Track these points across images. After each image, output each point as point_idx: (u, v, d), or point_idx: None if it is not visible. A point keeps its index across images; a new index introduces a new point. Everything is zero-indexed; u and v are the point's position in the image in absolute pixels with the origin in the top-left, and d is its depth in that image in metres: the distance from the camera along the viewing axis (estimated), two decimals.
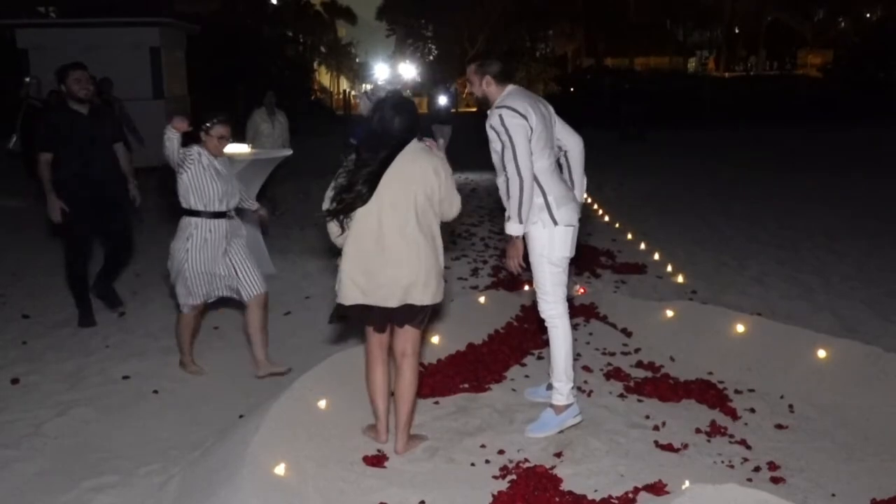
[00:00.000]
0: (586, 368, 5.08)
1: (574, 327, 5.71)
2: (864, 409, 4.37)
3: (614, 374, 5.03)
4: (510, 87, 4.22)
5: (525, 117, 4.03)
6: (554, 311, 4.26)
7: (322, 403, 4.19)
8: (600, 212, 10.50)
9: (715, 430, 4.22)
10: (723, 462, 3.88)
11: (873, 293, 6.80)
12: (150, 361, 5.47)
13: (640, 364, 5.21)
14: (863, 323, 6.01)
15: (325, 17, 49.48)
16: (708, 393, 4.69)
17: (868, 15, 54.39)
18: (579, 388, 4.72)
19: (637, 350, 5.46)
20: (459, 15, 45.44)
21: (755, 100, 33.16)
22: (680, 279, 7.22)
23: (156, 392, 4.96)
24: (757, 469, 3.81)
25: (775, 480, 3.71)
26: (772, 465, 3.83)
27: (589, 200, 10.36)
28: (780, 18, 54.40)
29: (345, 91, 48.63)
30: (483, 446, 4.05)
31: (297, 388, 4.23)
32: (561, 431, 4.19)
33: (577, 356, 5.23)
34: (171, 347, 5.50)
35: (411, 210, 3.76)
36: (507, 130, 4.01)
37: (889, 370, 4.58)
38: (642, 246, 8.50)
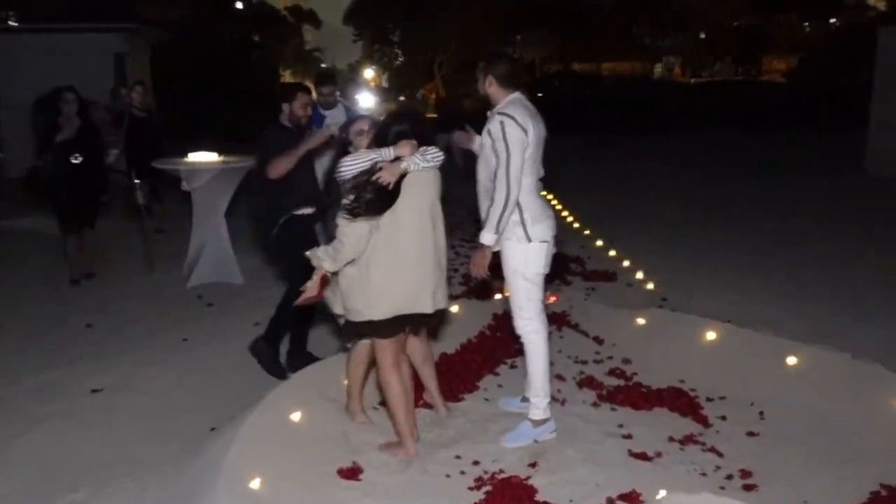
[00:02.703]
0: (559, 377, 5.09)
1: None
2: (834, 416, 4.43)
3: (587, 382, 5.06)
4: (514, 95, 4.20)
5: (525, 131, 4.04)
6: (529, 327, 4.27)
7: (296, 416, 4.16)
8: (570, 218, 10.54)
9: (687, 439, 4.27)
10: (696, 470, 3.92)
11: (845, 298, 6.88)
12: (119, 374, 5.40)
13: (612, 372, 5.24)
14: (835, 328, 6.06)
15: (290, 22, 49.17)
16: (680, 401, 4.74)
17: (833, 20, 55.32)
18: (553, 398, 4.73)
19: (609, 358, 5.50)
20: (427, 21, 45.40)
21: (719, 106, 33.56)
22: (650, 286, 7.27)
23: (126, 405, 4.92)
24: (729, 477, 3.86)
25: (748, 488, 3.76)
26: (744, 473, 3.88)
27: (559, 207, 10.38)
28: (746, 24, 55.06)
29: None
30: (458, 457, 4.06)
31: (271, 401, 4.21)
32: (535, 441, 4.21)
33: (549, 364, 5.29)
34: (141, 359, 5.47)
35: (428, 214, 3.93)
36: (505, 141, 4.01)
37: (857, 376, 4.65)
38: (612, 253, 8.54)
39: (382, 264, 3.84)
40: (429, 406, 4.61)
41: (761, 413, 4.57)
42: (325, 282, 4.04)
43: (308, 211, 5.16)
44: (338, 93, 8.00)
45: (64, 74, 10.45)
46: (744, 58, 59.16)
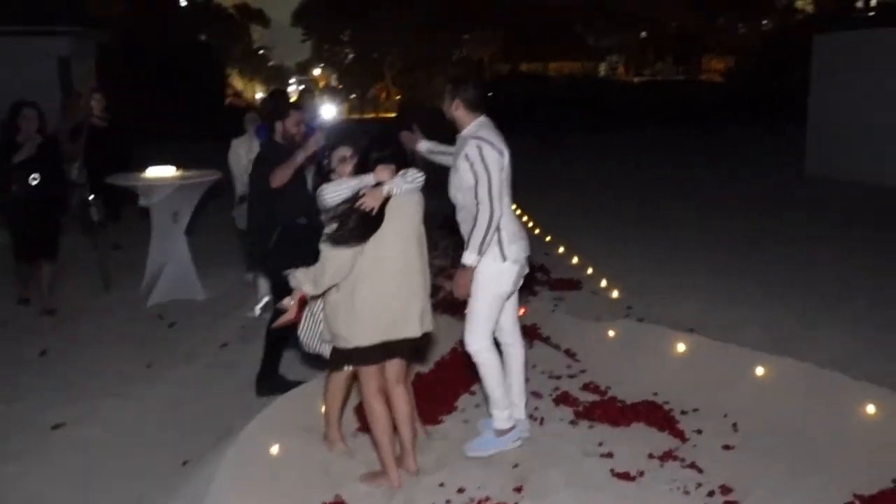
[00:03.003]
0: (535, 394, 5.08)
1: None
2: (803, 426, 4.50)
3: (563, 398, 5.06)
4: (482, 119, 4.23)
5: (501, 153, 4.09)
6: (478, 346, 4.28)
7: (275, 449, 4.07)
8: (530, 224, 10.56)
9: (667, 455, 4.29)
10: (678, 489, 3.94)
11: (800, 303, 6.99)
12: (81, 406, 5.20)
13: (586, 387, 5.25)
14: (791, 336, 6.12)
15: (238, 21, 48.57)
16: (655, 415, 4.76)
17: (765, 22, 56.59)
18: (531, 416, 4.74)
19: (582, 372, 5.51)
20: (376, 21, 45.23)
21: (663, 104, 34.08)
22: (615, 294, 7.31)
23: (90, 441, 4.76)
24: (711, 494, 3.88)
25: None
26: (724, 489, 3.91)
27: (518, 212, 10.40)
28: (685, 24, 55.95)
29: (264, 98, 47.82)
30: (442, 485, 4.01)
31: (248, 434, 4.12)
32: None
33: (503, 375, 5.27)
34: (104, 389, 5.30)
35: (413, 237, 3.89)
36: (484, 163, 4.02)
37: (821, 386, 4.75)
38: (574, 260, 8.58)
39: (368, 289, 3.77)
40: None
41: (734, 425, 4.62)
42: (303, 303, 3.96)
43: (303, 221, 5.15)
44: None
45: (5, 80, 10.10)
46: (683, 58, 60.25)
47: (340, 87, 56.15)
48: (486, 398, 4.42)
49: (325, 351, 4.19)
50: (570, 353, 5.84)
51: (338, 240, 3.69)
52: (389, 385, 4.02)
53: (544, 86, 35.93)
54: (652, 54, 61.07)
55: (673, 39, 56.92)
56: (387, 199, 3.80)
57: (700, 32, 56.11)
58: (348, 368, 4.09)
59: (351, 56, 53.69)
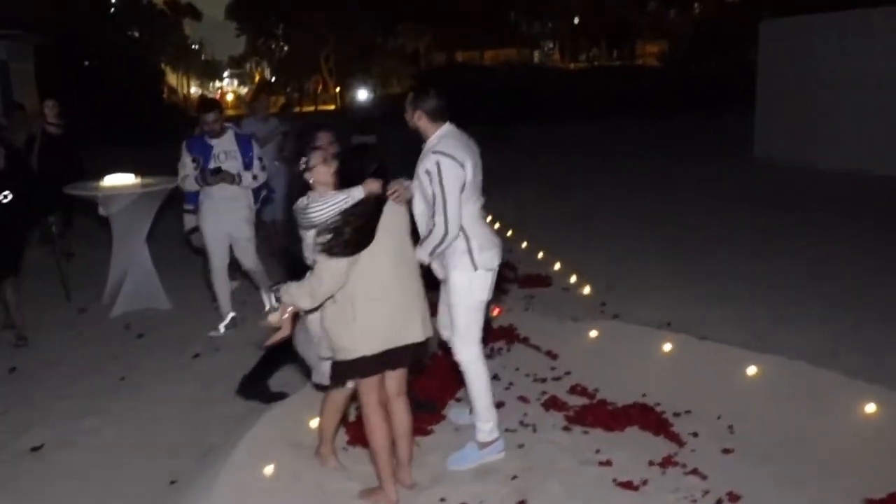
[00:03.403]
0: (523, 399, 5.00)
1: (498, 351, 5.75)
2: (801, 427, 4.47)
3: (552, 403, 4.97)
4: (445, 128, 4.14)
5: (462, 166, 3.99)
6: (467, 356, 4.22)
7: (269, 469, 3.92)
8: (489, 218, 10.49)
9: (666, 461, 4.22)
10: (685, 497, 3.88)
11: (771, 296, 7.05)
12: (58, 427, 4.94)
13: (574, 390, 5.18)
14: (768, 331, 6.17)
15: (169, 17, 47.41)
16: (648, 418, 4.71)
17: (695, 5, 57.58)
18: (521, 423, 4.68)
19: (567, 373, 5.44)
20: (310, 13, 44.60)
21: (602, 91, 34.36)
22: (587, 290, 7.27)
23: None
24: (719, 502, 3.84)
25: None
26: (731, 496, 3.86)
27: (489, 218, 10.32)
28: (618, 10, 56.58)
29: (203, 95, 46.96)
30: (442, 500, 3.90)
31: (240, 454, 3.94)
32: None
33: (508, 385, 5.21)
34: (79, 407, 5.05)
35: (405, 244, 3.82)
36: (441, 181, 3.94)
37: (816, 385, 4.74)
38: (540, 255, 8.54)
39: (368, 297, 3.65)
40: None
41: (730, 427, 4.59)
42: (295, 318, 3.80)
43: None
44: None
45: None
46: (617, 43, 60.98)
47: (274, 80, 55.34)
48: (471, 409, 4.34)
49: (322, 370, 4.07)
50: (551, 355, 5.76)
51: (331, 251, 3.55)
52: (390, 398, 3.90)
53: (484, 76, 35.75)
54: (586, 40, 61.65)
55: (606, 25, 57.49)
56: (380, 210, 3.68)
57: (633, 18, 56.86)
58: (350, 385, 3.96)
59: (286, 49, 52.88)
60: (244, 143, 6.39)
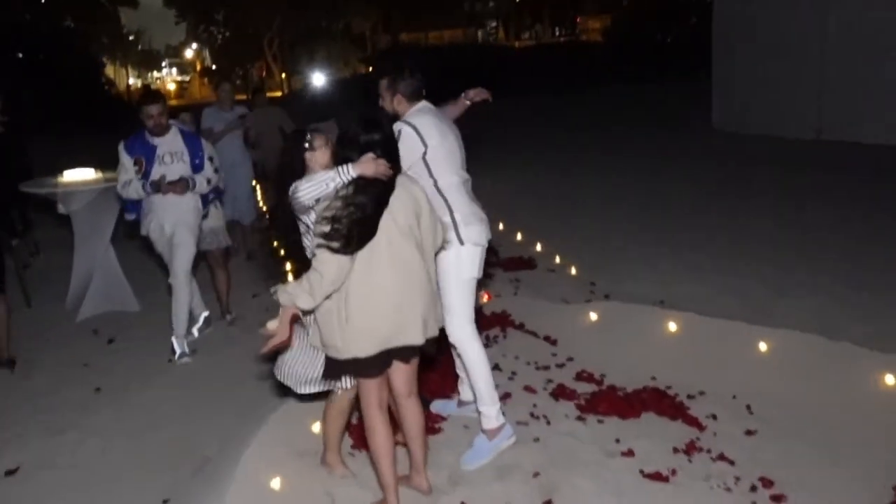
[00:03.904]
0: (529, 389, 4.78)
1: (494, 339, 5.52)
2: (820, 402, 4.35)
3: (560, 392, 4.76)
4: (420, 104, 4.04)
5: (423, 140, 3.86)
6: (462, 334, 4.06)
7: (276, 483, 3.63)
8: None
9: (691, 447, 4.05)
10: (718, 485, 3.71)
11: (759, 267, 6.94)
12: (34, 445, 4.57)
13: (580, 376, 4.97)
14: (766, 304, 6.03)
15: (106, 6, 45.89)
16: (663, 403, 4.54)
17: None
18: (531, 415, 4.47)
19: (570, 359, 5.23)
20: None
21: (553, 66, 34.31)
22: (573, 271, 7.07)
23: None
24: (753, 489, 3.66)
25: (777, 499, 3.58)
26: (765, 482, 3.70)
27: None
28: None
29: (147, 85, 45.71)
30: None
31: (245, 468, 3.65)
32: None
33: (511, 375, 4.99)
34: (55, 422, 4.70)
35: (410, 234, 3.44)
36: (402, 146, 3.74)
37: (831, 359, 4.63)
38: (519, 237, 8.32)
39: (362, 295, 3.34)
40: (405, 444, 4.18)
41: (748, 407, 4.44)
42: (294, 321, 3.50)
43: None
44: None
45: None
46: (560, 18, 61.12)
47: (215, 67, 54.09)
48: (463, 389, 4.28)
49: (306, 389, 3.80)
50: (550, 340, 5.55)
51: (334, 246, 3.25)
52: (399, 398, 3.61)
53: (437, 56, 35.39)
54: (529, 17, 61.64)
55: (549, 2, 57.52)
56: (387, 195, 3.37)
57: None
58: (349, 385, 3.67)
59: (228, 35, 51.57)
60: (193, 143, 5.72)
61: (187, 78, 69.08)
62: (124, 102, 33.85)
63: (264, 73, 50.65)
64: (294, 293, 3.34)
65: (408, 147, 3.78)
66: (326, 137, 3.62)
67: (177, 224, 5.59)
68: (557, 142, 16.65)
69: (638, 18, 42.32)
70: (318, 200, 3.41)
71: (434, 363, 5.09)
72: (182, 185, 5.53)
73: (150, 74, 74.77)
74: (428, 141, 3.86)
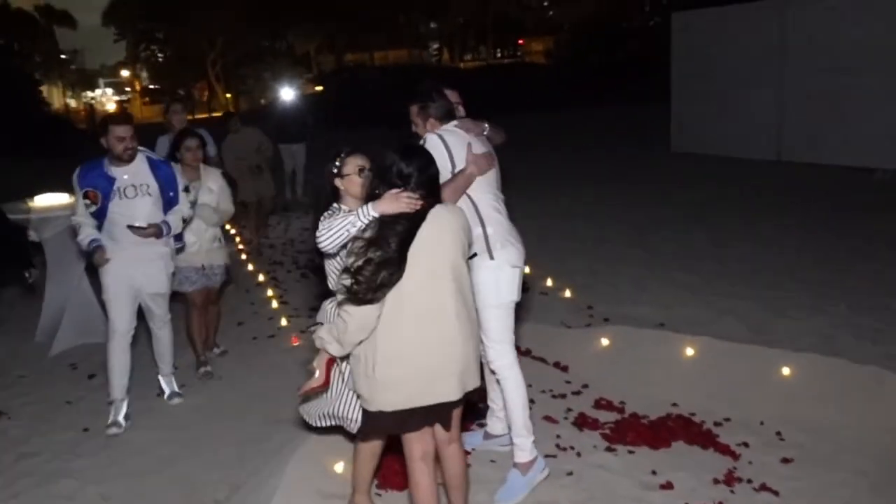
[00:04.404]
0: (549, 419, 4.62)
1: None
2: (852, 427, 4.27)
3: (582, 421, 4.61)
4: (453, 123, 3.91)
5: (450, 153, 3.72)
6: (504, 361, 3.91)
7: None
8: None
9: (730, 478, 3.92)
10: None
11: (752, 288, 6.87)
12: (27, 498, 4.16)
13: (599, 404, 4.82)
14: (765, 324, 5.94)
15: (41, 24, 44.69)
16: (691, 431, 4.42)
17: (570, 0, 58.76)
18: (558, 446, 4.30)
19: (585, 386, 5.09)
20: (193, 16, 42.90)
21: (500, 88, 34.41)
22: (568, 294, 6.93)
23: None
24: None
25: None
26: None
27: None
28: (502, 9, 57.08)
29: (90, 104, 44.50)
30: None
31: None
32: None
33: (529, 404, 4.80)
34: (47, 469, 4.33)
35: (448, 275, 3.11)
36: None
37: (854, 381, 4.55)
38: None
39: (389, 346, 3.05)
40: (386, 487, 3.94)
41: (779, 434, 4.34)
42: (331, 365, 3.25)
43: None
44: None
45: None
46: (503, 40, 61.73)
47: (157, 87, 53.14)
48: (508, 425, 3.98)
49: (319, 423, 3.59)
50: (560, 367, 5.40)
51: (361, 297, 2.97)
52: (439, 445, 3.33)
53: (387, 76, 35.28)
54: (473, 39, 62.06)
55: (495, 24, 58.01)
56: (413, 230, 3.06)
57: (519, 16, 57.56)
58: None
59: (169, 54, 50.69)
60: (165, 172, 4.87)
61: (127, 98, 67.59)
62: (66, 123, 32.87)
63: (207, 93, 49.98)
64: (326, 339, 3.12)
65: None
66: (361, 165, 3.38)
67: (148, 270, 4.84)
68: (519, 164, 16.56)
69: (580, 41, 43.03)
70: (344, 246, 3.20)
71: None
72: (152, 232, 4.75)
73: (85, 94, 73.07)
74: (452, 162, 3.72)
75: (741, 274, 7.32)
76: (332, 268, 3.49)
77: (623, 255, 8.33)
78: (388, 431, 3.29)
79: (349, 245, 3.13)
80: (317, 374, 3.24)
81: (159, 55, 52.23)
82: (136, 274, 4.80)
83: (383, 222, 3.05)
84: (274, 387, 5.42)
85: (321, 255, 3.47)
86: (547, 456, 4.11)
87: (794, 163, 13.48)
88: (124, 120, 4.79)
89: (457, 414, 3.31)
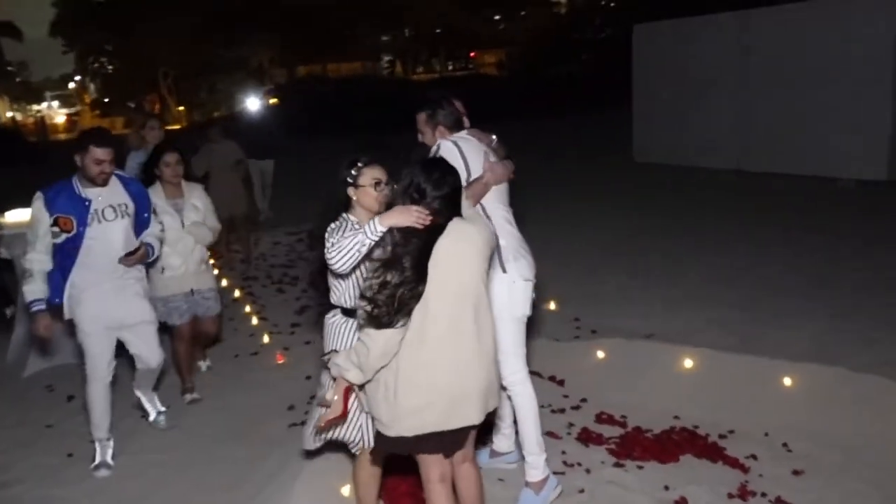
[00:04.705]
0: (552, 434, 4.53)
1: None
2: (857, 436, 4.26)
3: (586, 436, 4.54)
4: (464, 132, 3.83)
5: (465, 159, 3.63)
6: (517, 376, 3.86)
7: None
8: None
9: (744, 492, 3.88)
10: None
11: (734, 297, 6.88)
12: None
13: (601, 419, 4.75)
14: (755, 332, 5.92)
15: None
16: (697, 444, 4.38)
17: (523, 13, 59.30)
18: (565, 462, 4.23)
19: (583, 400, 5.01)
20: (144, 28, 42.14)
21: (459, 100, 34.44)
22: (553, 306, 6.86)
23: None
24: None
25: None
26: None
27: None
28: (453, 22, 57.32)
29: (41, 117, 43.28)
30: None
31: None
32: None
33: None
34: (35, 498, 4.11)
35: (471, 295, 2.98)
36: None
37: (859, 390, 4.54)
38: None
39: (412, 371, 2.91)
40: None
41: (785, 445, 4.31)
42: (349, 394, 3.07)
43: None
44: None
45: None
46: (456, 53, 62.03)
47: (107, 100, 52.04)
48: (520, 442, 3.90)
49: (312, 444, 3.48)
50: (556, 381, 5.33)
51: (383, 321, 2.85)
52: (454, 464, 3.23)
53: (339, 88, 35.10)
54: (425, 51, 62.22)
55: (451, 36, 58.24)
56: (430, 245, 2.92)
57: (467, 29, 57.86)
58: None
59: (118, 66, 49.63)
60: (138, 190, 4.52)
61: (76, 110, 66.16)
62: (15, 135, 32.06)
63: (158, 106, 49.17)
64: (344, 366, 2.96)
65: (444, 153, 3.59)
66: (378, 178, 3.25)
67: (126, 299, 4.40)
68: None
69: (532, 54, 43.39)
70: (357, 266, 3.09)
71: None
72: (143, 255, 4.45)
73: (30, 108, 71.43)
74: (471, 164, 3.65)
75: (723, 283, 7.33)
76: (336, 282, 3.37)
77: (601, 266, 8.31)
78: (404, 453, 3.17)
79: (364, 269, 3.01)
80: (333, 404, 3.06)
81: (109, 67, 51.13)
82: (114, 308, 4.36)
83: (396, 243, 2.92)
84: (261, 405, 5.27)
85: (323, 268, 3.35)
86: (555, 473, 4.01)
87: (755, 172, 13.65)
88: (107, 141, 4.26)
89: (472, 433, 3.20)
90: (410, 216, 2.90)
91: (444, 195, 2.99)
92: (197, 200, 5.22)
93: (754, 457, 4.20)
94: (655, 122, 15.84)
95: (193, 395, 5.40)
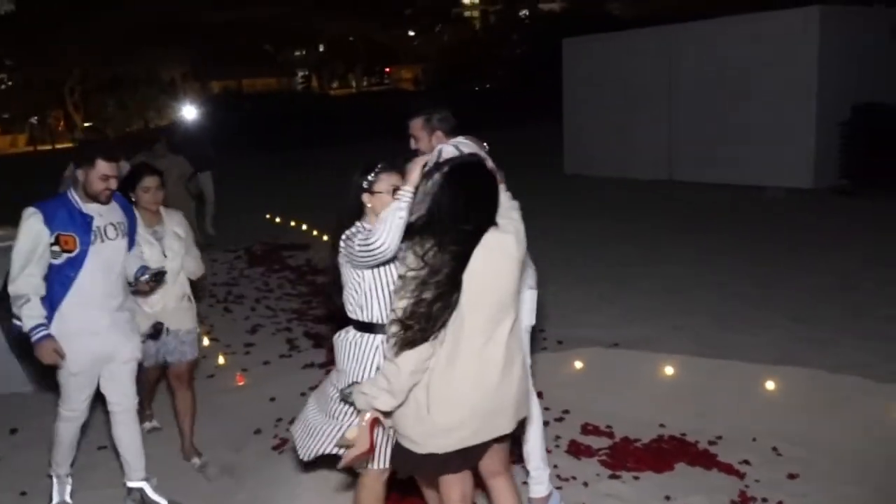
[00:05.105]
0: None
1: None
2: (845, 438, 4.29)
3: (575, 448, 4.45)
4: (462, 137, 3.69)
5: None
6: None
7: None
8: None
9: (744, 498, 3.84)
10: None
11: (694, 303, 6.92)
12: None
13: (587, 430, 4.66)
14: (719, 338, 5.94)
15: None
16: (689, 452, 4.34)
17: (437, 29, 59.84)
18: (559, 476, 4.12)
19: (566, 412, 4.92)
20: (48, 42, 40.61)
21: (376, 114, 34.35)
22: None
23: None
24: None
25: None
26: None
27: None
28: (371, 37, 57.38)
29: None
30: None
31: None
32: None
33: None
34: None
35: (505, 308, 2.81)
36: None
37: (841, 392, 4.58)
38: None
39: (446, 385, 2.74)
40: None
41: (775, 449, 4.30)
42: (374, 426, 2.82)
43: None
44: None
45: None
46: (372, 69, 62.08)
47: (7, 116, 49.81)
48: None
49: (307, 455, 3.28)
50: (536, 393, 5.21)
51: (413, 344, 2.67)
52: (487, 477, 3.09)
53: (256, 103, 34.58)
54: (341, 67, 61.97)
55: (360, 51, 58.21)
56: (464, 261, 2.72)
57: (388, 44, 58.02)
58: (381, 467, 3.13)
59: (20, 81, 47.54)
60: (129, 210, 4.07)
61: None
62: None
63: (63, 122, 47.48)
64: (371, 394, 2.74)
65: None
66: (396, 185, 3.05)
67: (118, 333, 3.89)
68: None
69: (447, 69, 43.74)
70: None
71: None
72: (161, 277, 4.09)
73: None
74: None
75: (679, 291, 7.37)
76: (352, 294, 3.14)
77: (554, 278, 8.24)
78: (430, 472, 2.99)
79: (396, 288, 2.80)
80: (351, 436, 2.83)
81: (9, 82, 48.96)
82: (109, 341, 3.85)
83: (428, 255, 2.71)
84: (226, 432, 4.98)
85: (336, 282, 3.17)
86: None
87: (685, 182, 13.93)
88: (115, 156, 3.81)
89: (503, 448, 3.07)
90: (420, 162, 2.97)
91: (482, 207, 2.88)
92: (178, 227, 4.58)
93: (747, 462, 4.17)
94: (585, 134, 16.03)
95: (153, 424, 5.03)
